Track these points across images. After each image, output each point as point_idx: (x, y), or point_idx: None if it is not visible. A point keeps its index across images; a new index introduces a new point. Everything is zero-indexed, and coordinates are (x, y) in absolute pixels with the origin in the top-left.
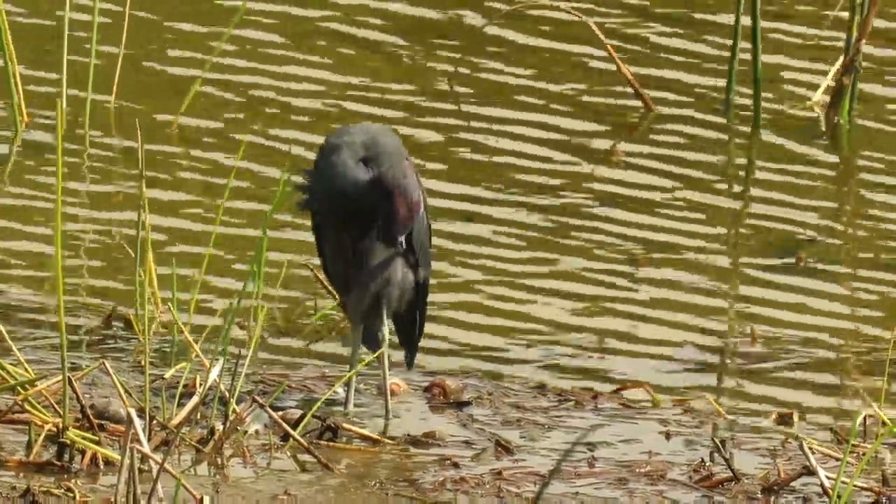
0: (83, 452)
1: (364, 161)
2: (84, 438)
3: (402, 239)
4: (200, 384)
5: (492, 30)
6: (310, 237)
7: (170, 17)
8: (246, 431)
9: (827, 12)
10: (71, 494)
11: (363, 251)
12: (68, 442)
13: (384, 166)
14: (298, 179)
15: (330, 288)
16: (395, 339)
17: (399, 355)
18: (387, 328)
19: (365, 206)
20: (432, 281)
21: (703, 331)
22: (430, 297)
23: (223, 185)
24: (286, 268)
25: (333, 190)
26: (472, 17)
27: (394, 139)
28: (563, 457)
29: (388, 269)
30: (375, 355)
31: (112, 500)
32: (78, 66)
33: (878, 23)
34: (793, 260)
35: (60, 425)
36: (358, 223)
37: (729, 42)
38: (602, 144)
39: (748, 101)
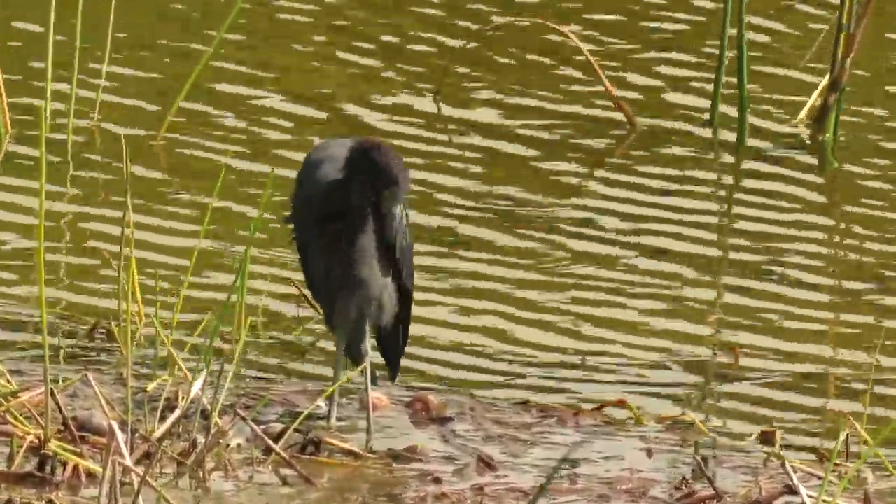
0: (65, 464)
1: None
2: (66, 450)
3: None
4: (183, 397)
5: (475, 44)
6: (293, 251)
7: (159, 21)
8: (228, 445)
9: (814, 27)
10: None
11: (347, 264)
12: (50, 453)
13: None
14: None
15: (314, 303)
16: (380, 356)
17: (383, 369)
18: (369, 342)
19: (343, 201)
20: (416, 295)
21: (686, 349)
22: (415, 313)
23: (208, 197)
24: (270, 281)
25: (315, 195)
26: (456, 32)
27: None
28: (549, 476)
29: (371, 280)
30: (359, 370)
31: None
32: (62, 70)
33: (865, 41)
34: (776, 278)
35: (42, 437)
36: (336, 228)
37: (715, 58)
38: (583, 161)
39: (733, 119)
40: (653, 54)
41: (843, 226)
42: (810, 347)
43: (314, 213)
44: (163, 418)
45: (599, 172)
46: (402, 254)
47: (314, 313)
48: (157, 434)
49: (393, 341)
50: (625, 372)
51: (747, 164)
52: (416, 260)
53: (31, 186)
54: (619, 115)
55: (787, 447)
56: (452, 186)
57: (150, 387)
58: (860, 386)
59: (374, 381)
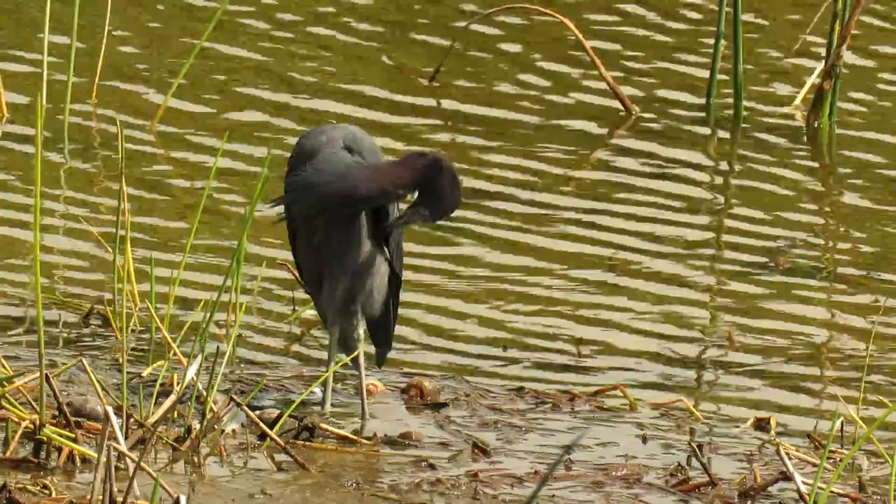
0: (60, 449)
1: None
2: (61, 436)
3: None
4: (178, 382)
5: (471, 30)
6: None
7: (153, 11)
8: (223, 430)
9: (809, 17)
10: (47, 491)
11: (340, 246)
12: (45, 439)
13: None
14: (282, 194)
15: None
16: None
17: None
18: (362, 328)
19: (364, 199)
20: (412, 280)
21: (681, 335)
22: (410, 299)
23: (204, 182)
24: (265, 266)
25: (334, 186)
26: (452, 17)
27: (369, 136)
28: (551, 466)
29: (364, 265)
30: (352, 356)
31: (88, 497)
32: (58, 59)
33: (859, 28)
34: (772, 264)
35: (37, 422)
36: (342, 219)
37: (710, 45)
38: (579, 146)
39: (729, 105)
40: (649, 40)
41: (837, 211)
42: (806, 334)
43: (311, 202)
44: (158, 404)
45: (595, 157)
46: (395, 241)
47: (310, 298)
48: (152, 419)
49: (382, 327)
50: (620, 358)
51: (743, 150)
52: (412, 246)
53: (27, 170)
54: (615, 100)
55: (782, 434)
56: None
57: (146, 372)
58: (855, 373)
59: (379, 363)
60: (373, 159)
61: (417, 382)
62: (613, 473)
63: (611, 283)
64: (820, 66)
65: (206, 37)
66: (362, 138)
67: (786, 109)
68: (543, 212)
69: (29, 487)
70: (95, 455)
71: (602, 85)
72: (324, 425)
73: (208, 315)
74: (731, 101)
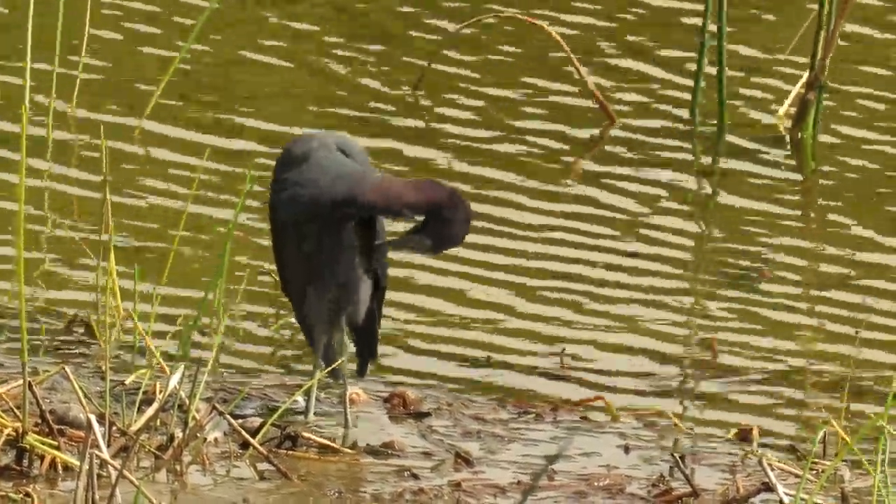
0: (42, 457)
1: None
2: (43, 443)
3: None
4: (160, 391)
5: (454, 39)
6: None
7: (137, 17)
8: (205, 439)
9: (794, 27)
10: (29, 499)
11: (331, 254)
12: (27, 447)
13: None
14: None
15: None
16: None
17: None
18: (346, 338)
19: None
20: (395, 289)
21: (664, 346)
22: (393, 308)
23: (187, 190)
24: (249, 274)
25: (334, 189)
26: (434, 26)
27: (357, 143)
28: (535, 476)
29: (355, 274)
30: (335, 365)
31: None
32: (41, 68)
33: (844, 39)
34: (754, 276)
35: (20, 430)
36: (333, 226)
37: (694, 56)
38: (563, 158)
39: (713, 115)
40: (633, 49)
41: (821, 223)
42: (788, 345)
43: (301, 210)
44: (140, 412)
45: (578, 167)
46: (380, 249)
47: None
48: (135, 428)
49: (368, 336)
50: (603, 369)
51: (726, 160)
52: (395, 255)
53: (9, 178)
54: (598, 112)
55: (765, 445)
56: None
57: (129, 380)
58: (839, 384)
59: (361, 373)
60: (365, 164)
61: (400, 392)
62: (596, 484)
63: (594, 295)
64: (804, 76)
65: (184, 50)
66: (353, 144)
67: (770, 120)
68: (526, 222)
69: (11, 495)
70: (78, 463)
71: (585, 96)
72: (306, 434)
73: (191, 323)
74: (714, 110)
